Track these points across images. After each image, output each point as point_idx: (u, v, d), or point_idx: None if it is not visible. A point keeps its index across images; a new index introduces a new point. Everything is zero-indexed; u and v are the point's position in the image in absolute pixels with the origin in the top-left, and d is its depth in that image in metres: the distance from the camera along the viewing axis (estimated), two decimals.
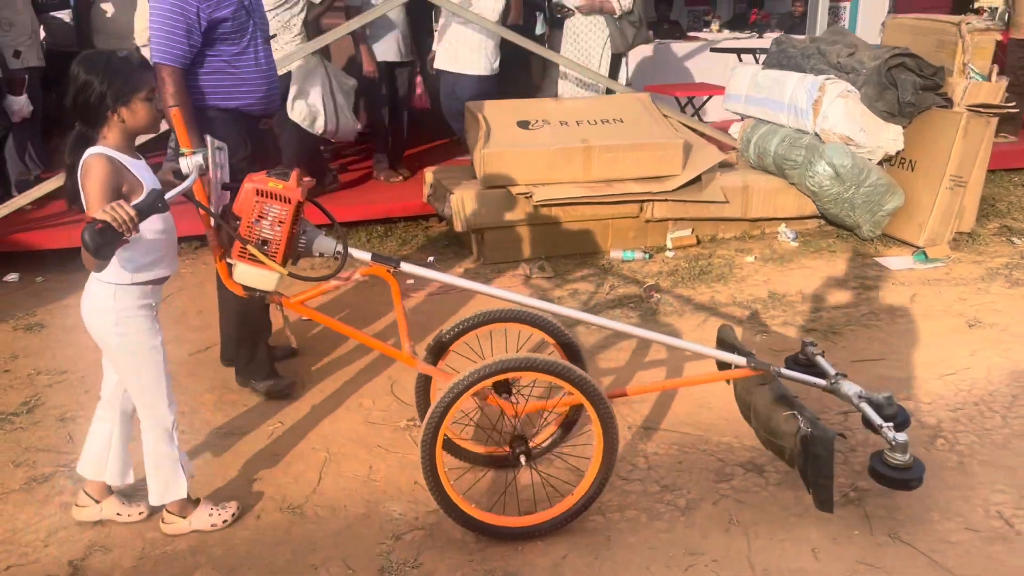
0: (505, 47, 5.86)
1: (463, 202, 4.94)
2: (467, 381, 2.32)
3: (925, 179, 5.12)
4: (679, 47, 8.89)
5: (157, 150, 5.32)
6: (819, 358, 2.71)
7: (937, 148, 5.06)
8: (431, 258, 5.14)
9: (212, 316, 4.22)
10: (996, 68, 5.29)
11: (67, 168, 2.27)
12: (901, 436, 2.36)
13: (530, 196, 4.91)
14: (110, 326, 2.32)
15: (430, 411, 2.34)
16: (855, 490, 2.68)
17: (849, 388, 2.52)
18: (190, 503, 2.55)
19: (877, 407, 2.48)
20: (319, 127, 5.41)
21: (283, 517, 2.62)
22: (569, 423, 2.91)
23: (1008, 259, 4.87)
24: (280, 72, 4.05)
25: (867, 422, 2.46)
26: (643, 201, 5.14)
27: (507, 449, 2.52)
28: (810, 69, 5.42)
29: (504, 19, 5.70)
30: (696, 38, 9.60)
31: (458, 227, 4.99)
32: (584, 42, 6.02)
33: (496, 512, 2.49)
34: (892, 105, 4.96)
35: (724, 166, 5.85)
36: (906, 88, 4.91)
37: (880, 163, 5.26)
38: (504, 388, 2.60)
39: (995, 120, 5.20)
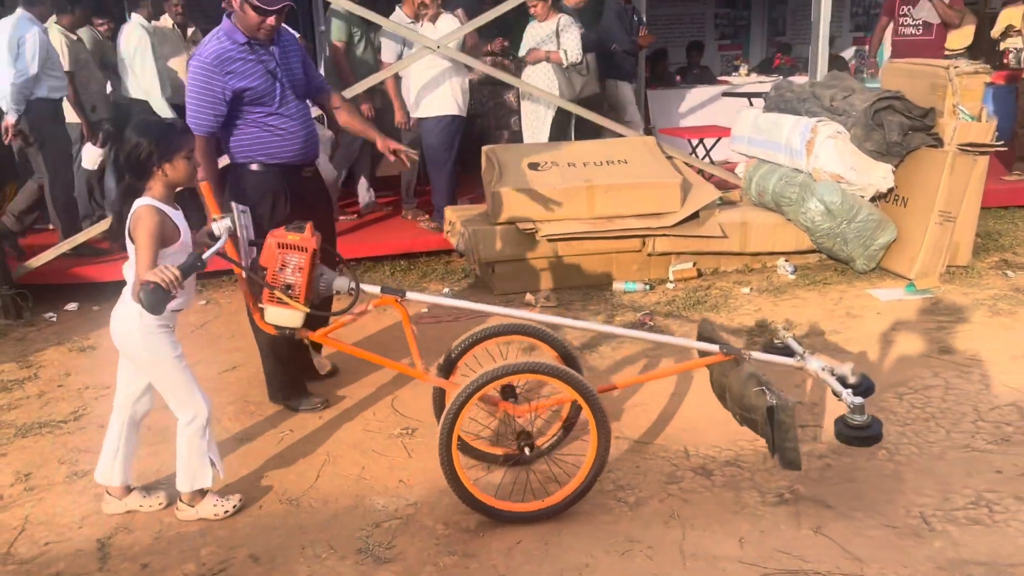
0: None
1: (476, 238, 5.35)
2: (474, 385, 2.67)
3: (916, 215, 5.36)
4: (701, 91, 9.25)
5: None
6: (790, 340, 3.03)
7: (926, 185, 5.30)
8: (446, 289, 5.54)
9: (242, 340, 4.70)
10: (986, 108, 5.52)
11: (116, 213, 2.73)
12: (858, 399, 2.67)
13: (536, 231, 5.29)
14: (139, 343, 2.75)
15: (444, 413, 2.70)
16: (791, 492, 2.95)
17: (815, 363, 2.85)
18: (199, 494, 2.95)
19: (841, 378, 2.81)
20: None
21: (281, 508, 3.01)
22: (570, 424, 3.23)
23: (997, 291, 5.06)
24: None
25: (832, 390, 2.77)
26: (645, 236, 5.48)
27: (515, 449, 2.90)
28: (805, 112, 5.72)
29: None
30: (725, 82, 9.96)
31: (469, 261, 5.39)
32: (535, 100, 6.39)
33: (511, 500, 2.86)
34: (880, 145, 5.23)
35: (728, 203, 6.18)
36: (892, 129, 5.18)
37: (874, 200, 5.51)
38: (510, 393, 2.96)
39: (984, 158, 5.43)
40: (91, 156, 6.14)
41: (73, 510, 3.05)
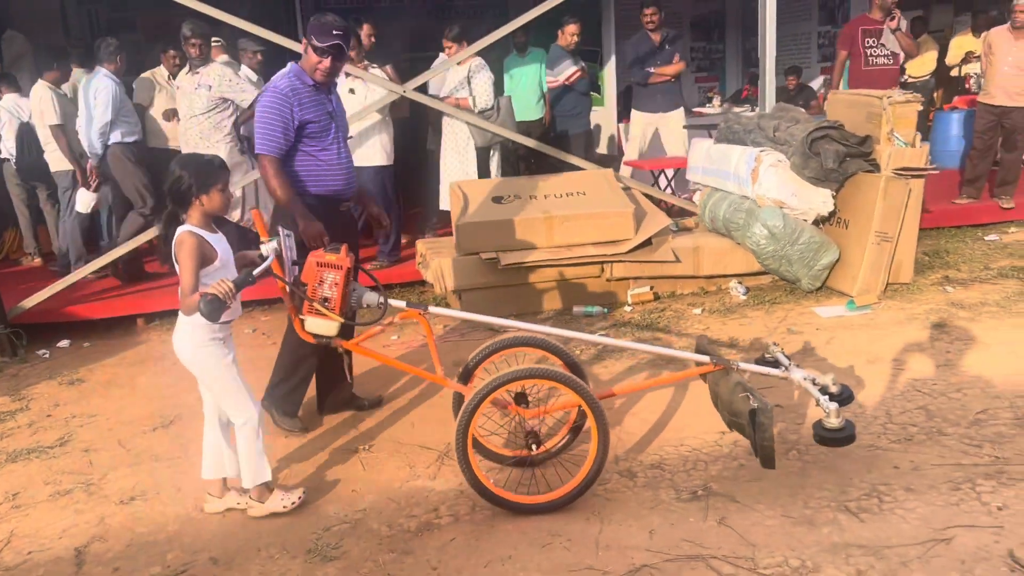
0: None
1: (442, 268, 5.69)
2: (488, 388, 2.99)
3: (856, 236, 5.68)
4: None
5: None
6: (779, 354, 3.35)
7: (864, 208, 5.64)
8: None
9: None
10: (919, 135, 5.87)
11: (162, 238, 3.11)
12: (832, 405, 3.03)
13: (499, 261, 5.63)
14: (191, 355, 3.12)
15: (460, 411, 3.02)
16: (704, 490, 3.24)
17: (798, 373, 3.21)
18: (266, 490, 3.27)
19: (823, 388, 3.16)
20: (235, 216, 6.13)
21: (243, 516, 3.30)
22: (577, 428, 3.55)
23: (933, 306, 5.36)
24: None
25: (814, 398, 3.12)
26: (603, 262, 5.81)
27: (525, 451, 3.23)
28: (751, 142, 6.08)
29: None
30: (700, 114, 10.34)
31: (438, 290, 5.73)
32: (454, 135, 6.72)
33: (520, 493, 3.18)
34: (818, 172, 5.57)
35: (684, 230, 6.52)
36: (828, 157, 5.52)
37: (817, 223, 5.84)
38: (522, 399, 3.28)
39: (919, 182, 5.77)
40: (84, 200, 6.53)
41: (55, 524, 3.35)
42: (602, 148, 10.29)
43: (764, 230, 5.65)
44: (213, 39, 7.14)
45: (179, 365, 4.91)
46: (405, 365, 3.44)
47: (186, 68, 6.24)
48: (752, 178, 5.81)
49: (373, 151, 6.34)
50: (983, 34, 7.96)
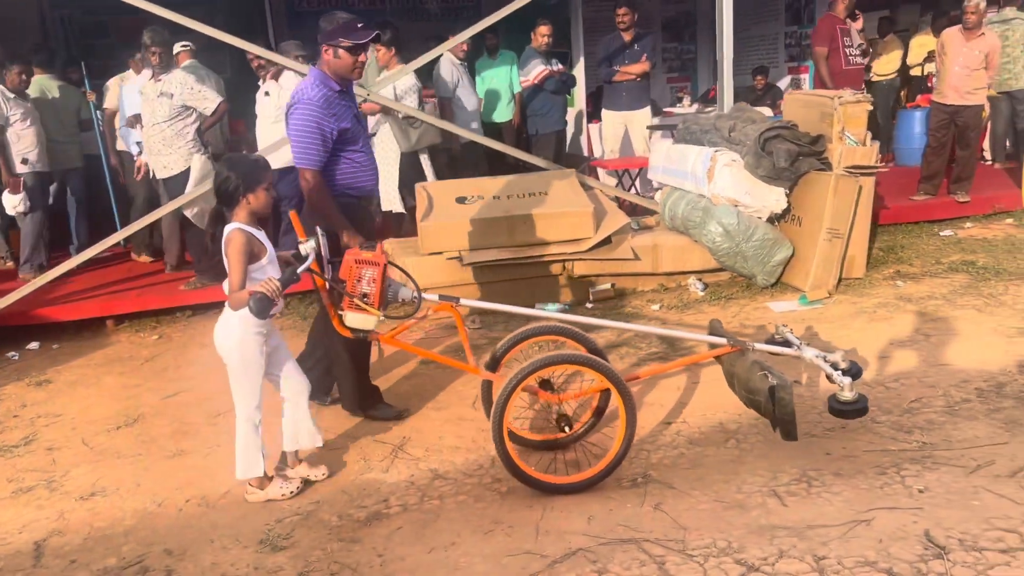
0: None
1: (406, 268, 5.79)
2: (522, 373, 3.12)
3: (809, 232, 5.84)
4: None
5: None
6: (788, 334, 3.53)
7: (816, 205, 5.79)
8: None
9: (188, 370, 5.13)
10: (870, 134, 6.04)
11: (210, 236, 3.26)
12: (846, 379, 3.23)
13: (461, 260, 5.75)
14: (235, 345, 3.26)
15: (496, 397, 3.15)
16: (644, 477, 3.38)
17: (809, 352, 3.38)
18: (267, 479, 3.40)
19: (833, 364, 3.33)
20: (205, 222, 6.19)
21: (199, 510, 3.42)
22: (600, 410, 3.66)
23: (882, 300, 5.52)
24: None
25: (825, 374, 3.30)
26: (563, 261, 5.94)
27: (555, 432, 3.43)
28: (708, 142, 6.23)
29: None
30: (670, 114, 10.49)
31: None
32: (380, 139, 6.82)
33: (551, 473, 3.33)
34: (770, 171, 5.72)
35: (645, 228, 6.66)
36: (780, 156, 5.68)
37: (772, 220, 5.99)
38: (548, 385, 3.42)
39: (869, 179, 5.94)
40: (8, 202, 6.59)
41: (16, 519, 3.45)
42: (573, 148, 10.42)
43: (719, 228, 5.80)
44: (182, 43, 7.22)
45: (146, 365, 5.03)
46: (438, 355, 3.62)
47: (150, 74, 6.31)
48: (708, 177, 5.95)
49: (287, 152, 6.30)
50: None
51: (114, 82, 7.31)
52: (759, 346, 3.46)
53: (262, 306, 2.92)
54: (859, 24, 7.49)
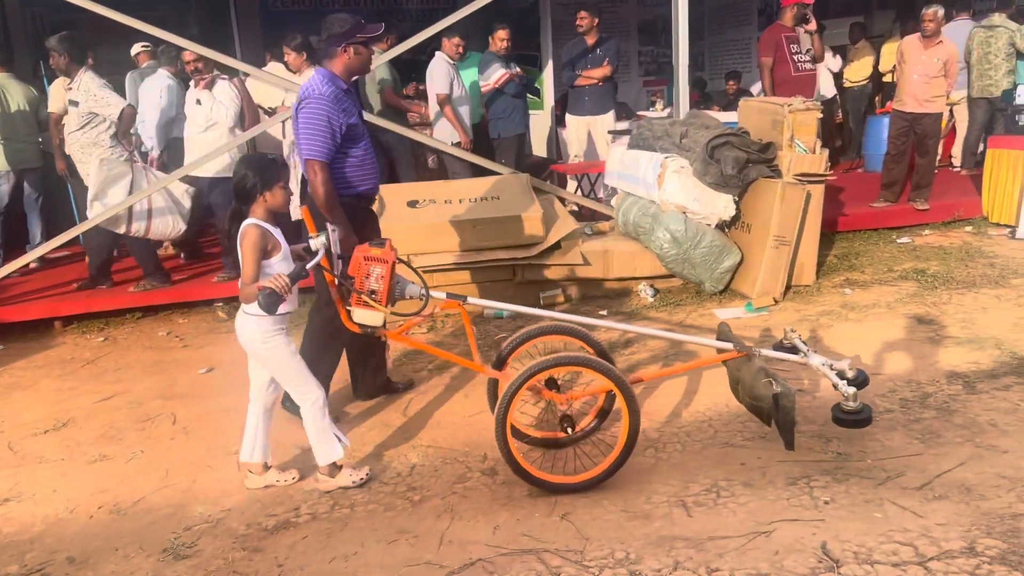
0: None
1: None
2: (527, 373, 3.13)
3: (757, 240, 5.85)
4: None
5: None
6: (797, 340, 3.55)
7: (763, 213, 5.80)
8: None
9: (127, 373, 5.11)
10: (819, 142, 6.05)
11: (226, 233, 3.30)
12: (850, 389, 3.27)
13: (408, 263, 5.72)
14: (259, 344, 3.28)
15: (500, 397, 3.16)
16: None
17: (816, 359, 3.42)
18: (335, 467, 3.43)
19: (840, 372, 3.35)
20: (120, 228, 6.06)
21: (108, 517, 3.39)
22: (604, 412, 3.68)
23: (827, 308, 5.53)
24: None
25: (831, 382, 3.33)
26: (514, 265, 5.93)
27: (558, 432, 3.44)
28: (659, 148, 6.23)
29: (241, 122, 6.39)
30: (643, 117, 10.48)
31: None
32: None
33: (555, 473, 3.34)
34: (717, 178, 5.72)
35: (598, 233, 6.66)
36: (727, 163, 5.68)
37: (722, 227, 5.99)
38: (553, 385, 3.43)
39: (819, 187, 5.95)
40: None
41: None
42: (541, 151, 10.42)
43: (667, 234, 5.80)
44: (143, 44, 7.19)
45: (86, 368, 5.00)
46: (445, 352, 3.63)
47: (66, 82, 6.24)
48: (658, 183, 5.95)
49: (218, 160, 6.27)
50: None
51: (57, 84, 7.24)
52: (766, 352, 3.47)
53: (271, 301, 2.94)
54: (812, 26, 7.50)
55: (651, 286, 6.15)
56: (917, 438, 3.56)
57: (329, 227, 3.28)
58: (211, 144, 6.26)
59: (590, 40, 7.88)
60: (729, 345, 3.49)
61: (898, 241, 7.18)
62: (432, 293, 3.35)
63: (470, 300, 3.41)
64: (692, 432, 3.78)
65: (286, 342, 3.31)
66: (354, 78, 4.06)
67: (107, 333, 5.97)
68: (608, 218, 6.94)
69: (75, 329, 6.07)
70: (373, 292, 3.17)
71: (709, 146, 5.74)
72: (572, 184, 8.31)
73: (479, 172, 6.83)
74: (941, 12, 7.41)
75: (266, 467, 3.54)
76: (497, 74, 7.71)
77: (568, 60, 8.03)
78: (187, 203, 6.24)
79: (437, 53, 7.49)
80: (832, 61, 10.68)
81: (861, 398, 3.37)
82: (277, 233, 3.27)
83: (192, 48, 6.08)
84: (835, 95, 11.22)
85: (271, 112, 6.79)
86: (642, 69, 14.04)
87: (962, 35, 8.60)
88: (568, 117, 8.31)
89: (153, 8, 10.72)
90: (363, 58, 3.95)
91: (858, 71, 11.22)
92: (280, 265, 3.22)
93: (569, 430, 3.42)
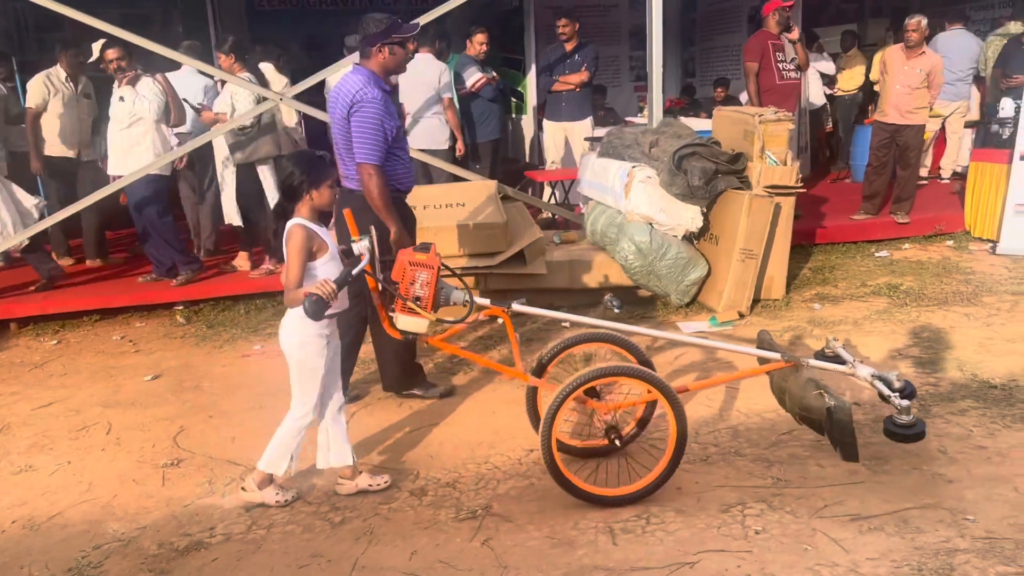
0: None
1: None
2: (574, 384, 3.07)
3: (724, 252, 5.72)
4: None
5: None
6: (840, 350, 3.43)
7: (731, 225, 5.68)
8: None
9: (73, 378, 5.01)
10: (790, 153, 5.93)
11: (273, 232, 3.22)
12: (904, 402, 3.10)
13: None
14: (296, 345, 3.20)
15: (548, 408, 3.09)
16: (484, 510, 3.25)
17: (864, 370, 3.26)
18: (268, 480, 3.34)
19: (888, 383, 3.20)
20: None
21: (21, 532, 3.28)
22: (644, 421, 3.62)
23: (793, 323, 5.41)
24: None
25: (880, 394, 3.18)
26: (477, 274, 5.81)
27: (604, 441, 3.35)
28: (628, 157, 6.11)
29: (166, 117, 6.25)
30: (631, 123, 10.37)
31: None
32: (220, 150, 6.62)
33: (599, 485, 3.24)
34: (684, 189, 5.60)
35: (567, 242, 6.54)
36: (694, 174, 5.55)
37: (690, 238, 5.87)
38: (593, 393, 3.33)
39: (789, 200, 5.82)
40: None
41: None
42: (524, 156, 10.30)
43: (632, 245, 5.68)
44: (104, 41, 7.05)
45: (33, 372, 4.90)
46: (486, 359, 3.58)
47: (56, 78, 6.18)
48: (625, 193, 5.84)
49: (141, 159, 6.15)
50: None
51: (38, 80, 7.15)
52: (813, 362, 3.36)
53: (317, 308, 2.87)
54: (794, 35, 7.39)
55: (617, 298, 6.01)
56: (863, 464, 3.43)
57: (372, 230, 3.20)
58: (135, 141, 6.16)
59: (569, 46, 7.78)
60: (776, 355, 3.38)
61: (876, 255, 7.06)
62: (478, 300, 3.28)
63: (514, 307, 3.34)
64: (636, 454, 3.64)
65: (320, 352, 3.22)
66: (392, 77, 4.08)
67: (62, 336, 5.87)
68: (579, 227, 6.83)
69: (30, 331, 5.97)
70: (418, 298, 3.10)
71: (676, 156, 5.62)
72: (550, 191, 8.21)
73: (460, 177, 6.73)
74: (925, 22, 7.28)
75: (356, 471, 3.43)
76: (474, 78, 7.61)
77: (546, 65, 7.93)
78: (34, 216, 6.18)
79: (418, 55, 7.33)
80: (826, 64, 10.57)
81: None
82: (323, 233, 3.18)
83: (152, 47, 5.99)
84: (825, 104, 11.10)
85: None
86: (633, 74, 13.92)
87: (955, 46, 8.48)
88: (545, 123, 8.21)
89: (136, 5, 10.70)
90: (398, 58, 3.98)
91: (849, 79, 11.08)
92: (327, 266, 3.14)
93: (616, 441, 3.31)
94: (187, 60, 6.46)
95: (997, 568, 2.68)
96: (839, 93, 11.14)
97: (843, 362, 3.37)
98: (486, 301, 3.30)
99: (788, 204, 5.84)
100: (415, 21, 4.12)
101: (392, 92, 4.11)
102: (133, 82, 6.10)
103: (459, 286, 3.30)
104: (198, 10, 9.60)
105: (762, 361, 3.49)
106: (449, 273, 3.42)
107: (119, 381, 4.93)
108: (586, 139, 7.98)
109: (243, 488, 3.37)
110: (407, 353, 4.38)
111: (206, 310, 6.22)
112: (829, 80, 10.73)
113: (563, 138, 8.09)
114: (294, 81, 6.86)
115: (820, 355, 3.48)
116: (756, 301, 5.85)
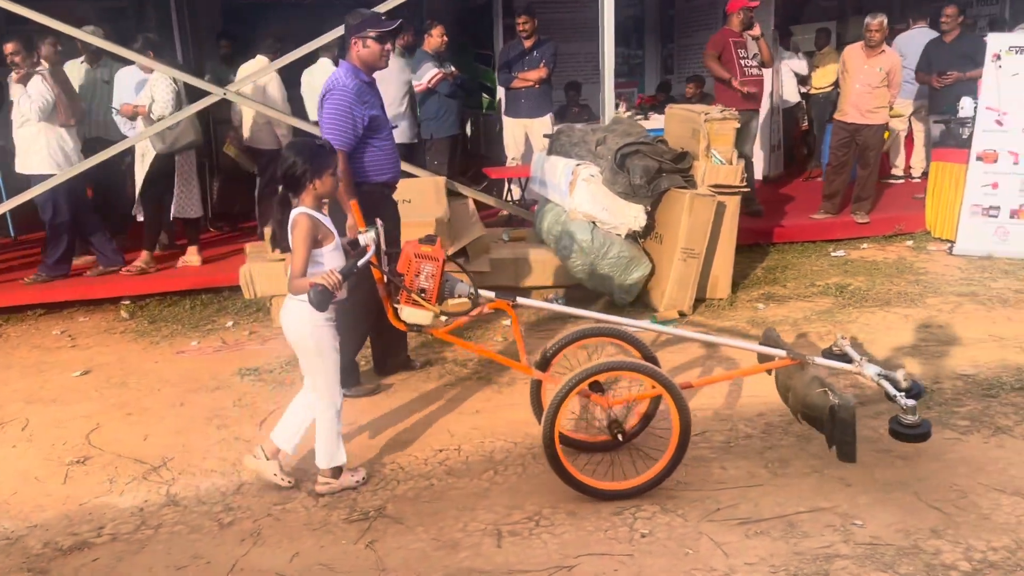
0: None
1: (251, 274, 5.64)
2: (577, 378, 3.05)
3: (668, 251, 5.68)
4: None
5: None
6: (848, 348, 3.39)
7: (674, 224, 5.63)
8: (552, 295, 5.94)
9: (2, 374, 4.95)
10: (736, 152, 5.88)
11: (277, 222, 3.19)
12: (910, 402, 3.07)
13: None
14: (306, 334, 3.19)
15: (550, 402, 3.07)
16: (377, 511, 3.22)
17: (871, 368, 3.23)
18: (337, 471, 3.34)
19: (894, 382, 3.17)
20: None
21: None
22: (648, 416, 3.59)
23: (734, 323, 5.37)
24: None
25: (886, 393, 3.15)
26: None
27: (608, 436, 3.33)
28: (575, 155, 6.06)
29: (54, 116, 6.11)
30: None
31: (247, 294, 5.68)
32: (143, 143, 6.48)
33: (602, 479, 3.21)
34: (626, 187, 5.56)
35: (516, 240, 6.51)
36: (636, 172, 5.51)
37: (636, 237, 5.83)
38: (597, 388, 3.29)
39: (734, 199, 5.78)
40: None
41: None
42: (493, 152, 10.25)
43: (574, 244, 5.64)
44: (49, 39, 6.99)
45: None
46: (490, 352, 3.58)
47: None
48: (570, 191, 5.80)
49: (39, 158, 6.10)
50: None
51: None
52: (819, 360, 3.32)
53: (322, 298, 2.90)
54: (756, 31, 7.35)
55: (561, 296, 5.99)
56: (765, 467, 3.40)
57: (378, 222, 3.22)
58: (30, 140, 6.10)
59: (528, 42, 7.73)
60: (781, 352, 3.35)
61: (832, 254, 7.02)
62: (483, 292, 3.27)
63: (520, 300, 3.32)
64: (539, 454, 3.57)
65: (333, 335, 3.23)
66: (375, 70, 4.17)
67: (3, 330, 5.84)
68: (531, 225, 6.79)
69: None
70: (423, 291, 3.11)
71: (618, 154, 5.58)
72: (515, 188, 8.17)
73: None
74: (886, 21, 7.25)
75: (273, 458, 3.41)
76: (430, 73, 7.56)
77: (505, 62, 7.89)
78: None
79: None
80: (798, 63, 10.52)
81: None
82: (327, 221, 3.20)
83: (91, 40, 5.95)
84: (800, 101, 11.04)
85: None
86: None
87: (916, 45, 8.42)
88: (505, 119, 8.16)
89: None
90: (373, 51, 4.06)
91: (823, 78, 11.02)
92: (331, 255, 3.16)
93: (619, 435, 3.29)
94: (122, 51, 6.38)
95: (872, 575, 2.64)
96: (813, 91, 11.08)
97: (850, 360, 3.35)
98: (491, 294, 3.31)
99: (733, 203, 5.80)
100: (376, 9, 4.29)
101: (373, 84, 4.19)
102: (25, 80, 6.03)
103: (464, 279, 3.31)
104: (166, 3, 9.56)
105: (765, 358, 3.46)
106: (456, 268, 3.44)
107: (47, 376, 4.90)
108: (545, 136, 7.92)
109: (318, 491, 3.34)
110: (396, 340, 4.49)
111: (152, 305, 6.18)
112: (802, 79, 10.67)
113: (523, 135, 8.04)
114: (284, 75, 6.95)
115: (827, 353, 3.45)
116: (701, 300, 5.82)
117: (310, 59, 7.47)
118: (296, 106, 7.41)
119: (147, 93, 6.29)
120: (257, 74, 6.48)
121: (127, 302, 6.23)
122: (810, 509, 3.06)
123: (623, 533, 2.96)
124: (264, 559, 2.93)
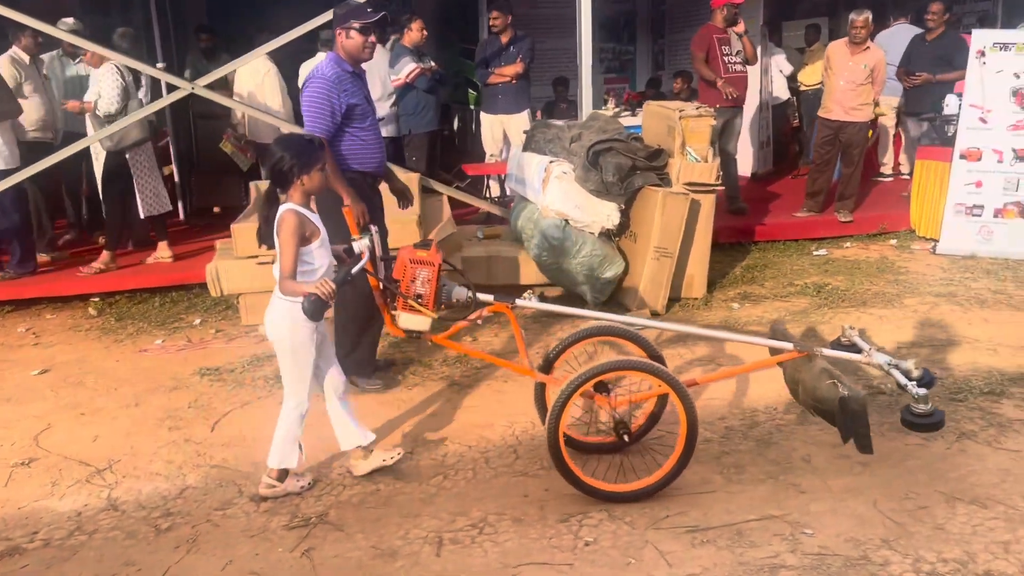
0: None
1: (217, 271, 5.56)
2: (581, 378, 2.99)
3: (641, 250, 5.59)
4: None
5: None
6: (857, 338, 3.32)
7: (647, 222, 5.54)
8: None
9: None
10: (712, 150, 5.79)
11: (264, 218, 3.12)
12: (922, 391, 3.01)
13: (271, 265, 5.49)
14: (286, 332, 3.13)
15: (554, 401, 3.01)
16: (319, 518, 3.14)
17: (881, 358, 3.16)
18: (284, 473, 3.28)
19: (905, 371, 3.10)
20: None
21: None
22: (655, 416, 3.52)
23: (707, 323, 5.28)
24: None
25: (897, 383, 3.08)
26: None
27: (613, 437, 3.27)
28: (549, 152, 5.97)
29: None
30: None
31: (213, 292, 5.59)
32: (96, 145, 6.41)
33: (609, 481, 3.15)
34: (598, 185, 5.47)
35: (491, 238, 6.42)
36: (608, 170, 5.42)
37: (610, 235, 5.74)
38: (602, 388, 3.23)
39: (709, 197, 5.69)
40: None
41: None
42: (479, 148, 10.17)
43: (544, 241, 5.55)
44: (28, 30, 6.90)
45: None
46: (492, 357, 3.58)
47: None
48: (543, 188, 5.70)
49: None
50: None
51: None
52: (827, 352, 3.25)
53: (316, 308, 2.86)
54: (740, 28, 7.27)
55: (533, 295, 5.88)
56: (720, 472, 3.32)
57: (373, 228, 3.18)
58: None
59: (504, 38, 7.64)
60: (788, 345, 3.27)
61: (814, 253, 6.92)
62: (481, 296, 3.21)
63: (518, 303, 3.26)
64: (492, 458, 3.54)
65: (311, 337, 3.17)
66: (360, 62, 4.19)
67: None
68: (507, 222, 6.70)
69: None
70: (419, 296, 3.06)
71: (591, 151, 5.49)
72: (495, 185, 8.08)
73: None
74: (871, 17, 7.17)
75: (368, 450, 3.38)
76: (407, 68, 7.47)
77: (482, 58, 7.80)
78: None
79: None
80: (784, 62, 10.41)
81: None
82: (315, 218, 3.14)
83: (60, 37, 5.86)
84: (789, 98, 10.94)
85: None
86: (603, 66, 13.77)
87: (898, 41, 8.32)
88: (483, 116, 8.07)
89: None
90: (355, 43, 4.08)
91: (812, 75, 10.91)
92: (319, 252, 3.11)
93: (626, 436, 3.23)
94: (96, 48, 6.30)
95: None
96: (804, 88, 10.98)
97: (859, 351, 3.27)
98: (489, 298, 3.25)
99: (708, 201, 5.71)
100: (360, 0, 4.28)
101: (358, 74, 4.21)
102: None
103: (462, 283, 3.25)
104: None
105: (774, 351, 3.38)
106: (450, 269, 3.38)
107: (4, 375, 4.82)
108: (524, 132, 7.83)
109: (261, 494, 3.28)
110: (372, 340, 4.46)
111: (121, 302, 6.10)
112: (788, 77, 10.58)
113: (501, 131, 7.95)
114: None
115: (836, 344, 3.38)
116: (675, 300, 5.73)
117: (310, 53, 7.41)
118: (297, 101, 7.33)
119: (94, 89, 6.18)
120: (246, 59, 6.39)
121: (96, 299, 6.15)
122: (760, 517, 2.98)
123: (567, 541, 2.88)
124: (196, 567, 2.85)
